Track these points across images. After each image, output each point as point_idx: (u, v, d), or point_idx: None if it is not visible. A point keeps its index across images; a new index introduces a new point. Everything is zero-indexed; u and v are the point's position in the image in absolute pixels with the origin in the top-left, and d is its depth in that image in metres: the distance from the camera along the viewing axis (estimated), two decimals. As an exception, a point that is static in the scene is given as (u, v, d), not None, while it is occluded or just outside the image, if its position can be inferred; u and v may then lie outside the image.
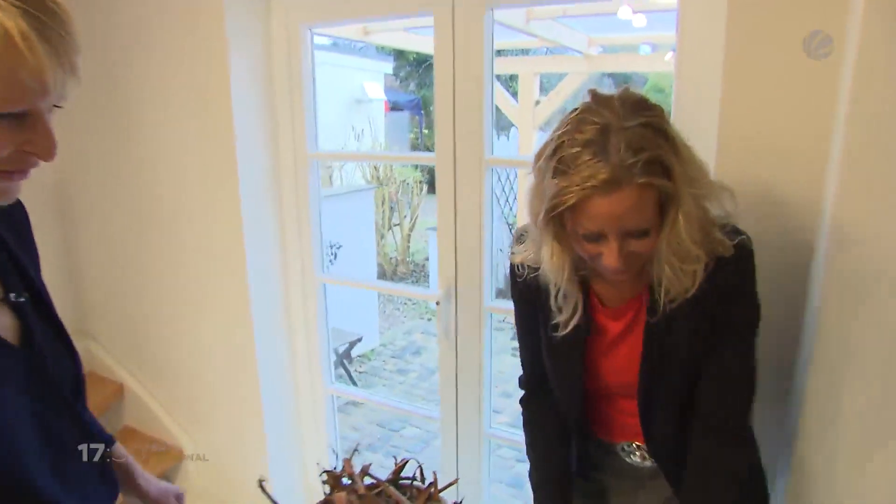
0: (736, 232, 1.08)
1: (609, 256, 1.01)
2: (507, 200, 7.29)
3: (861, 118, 1.07)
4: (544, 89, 6.03)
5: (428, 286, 6.99)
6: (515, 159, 4.59)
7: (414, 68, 14.06)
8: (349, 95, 9.52)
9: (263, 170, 2.07)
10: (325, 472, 1.18)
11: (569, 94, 5.76)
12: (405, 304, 6.78)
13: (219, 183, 2.03)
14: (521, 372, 1.39)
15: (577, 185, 0.94)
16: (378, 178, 7.63)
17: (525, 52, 6.39)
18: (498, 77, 6.84)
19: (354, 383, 4.67)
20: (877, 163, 1.05)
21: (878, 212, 1.05)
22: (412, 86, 14.56)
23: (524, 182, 6.21)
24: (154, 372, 2.47)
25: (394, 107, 12.79)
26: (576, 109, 1.02)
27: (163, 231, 2.24)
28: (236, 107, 1.94)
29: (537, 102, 5.87)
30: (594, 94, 1.02)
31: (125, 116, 2.19)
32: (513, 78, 6.22)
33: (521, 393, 1.42)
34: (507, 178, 7.28)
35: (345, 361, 4.60)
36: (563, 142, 0.98)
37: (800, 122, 1.23)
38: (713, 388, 1.14)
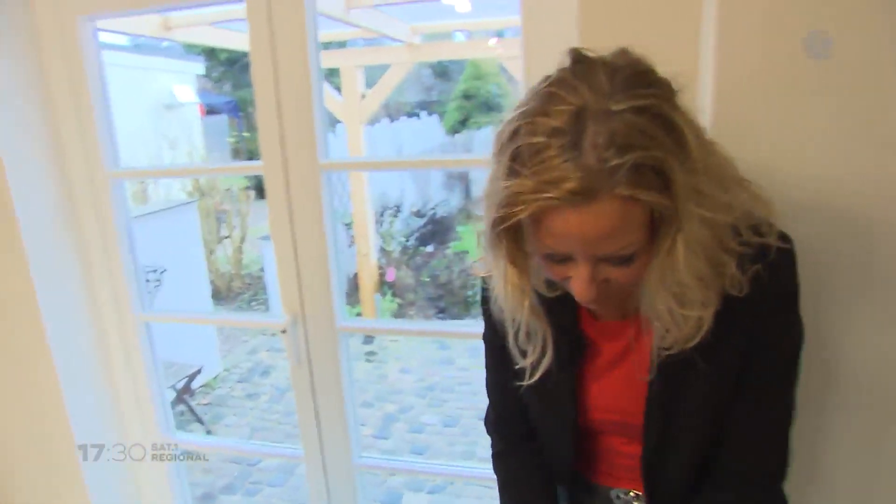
0: (761, 253, 0.80)
1: (577, 284, 0.77)
2: (339, 200, 6.99)
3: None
4: (368, 83, 5.84)
5: (266, 297, 6.57)
6: (353, 161, 4.36)
7: (227, 68, 13.34)
8: (157, 101, 8.72)
9: (50, 199, 1.70)
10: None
11: (393, 86, 5.63)
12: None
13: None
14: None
15: (533, 193, 0.68)
16: (200, 188, 7.03)
17: (342, 44, 6.16)
18: (319, 72, 6.56)
19: (199, 420, 4.22)
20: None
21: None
22: (227, 87, 13.82)
23: (355, 178, 5.98)
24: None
25: (210, 110, 11.97)
26: (548, 78, 0.74)
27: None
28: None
29: (363, 96, 5.69)
30: (576, 55, 0.74)
31: None
32: (333, 72, 5.94)
33: (487, 426, 1.16)
34: (339, 175, 6.96)
35: (186, 397, 4.15)
36: (521, 127, 0.71)
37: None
38: (743, 429, 0.90)
